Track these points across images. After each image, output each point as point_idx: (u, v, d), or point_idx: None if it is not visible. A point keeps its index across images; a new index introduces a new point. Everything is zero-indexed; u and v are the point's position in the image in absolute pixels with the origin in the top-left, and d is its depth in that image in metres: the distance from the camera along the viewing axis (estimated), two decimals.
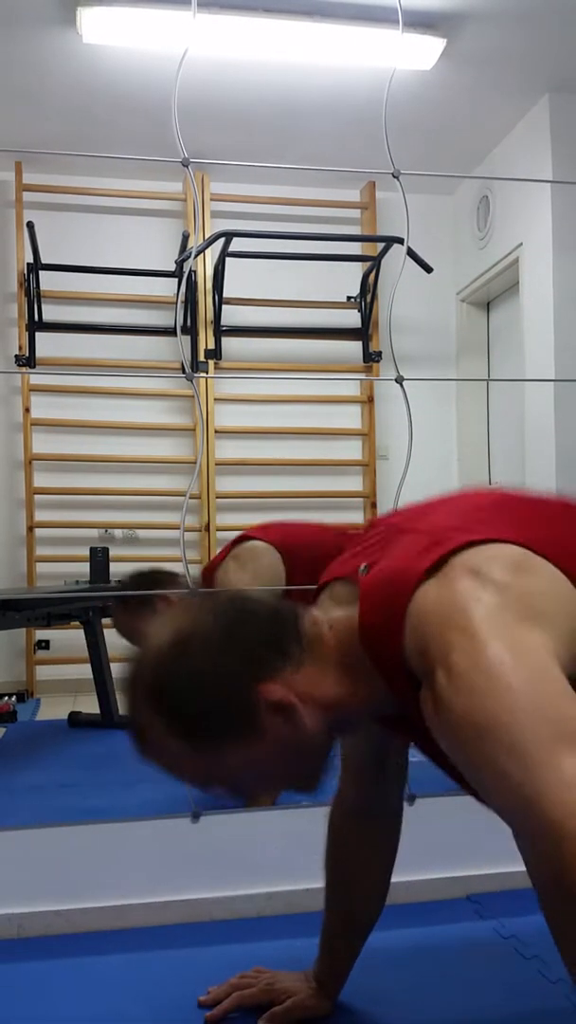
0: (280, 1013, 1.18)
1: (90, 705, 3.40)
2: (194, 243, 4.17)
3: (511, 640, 0.80)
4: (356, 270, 4.48)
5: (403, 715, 0.92)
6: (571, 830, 0.71)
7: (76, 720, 3.33)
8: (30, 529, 4.18)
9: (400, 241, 4.04)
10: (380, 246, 4.25)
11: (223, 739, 0.90)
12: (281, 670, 0.91)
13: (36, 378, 4.24)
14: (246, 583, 2.11)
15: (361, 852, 1.20)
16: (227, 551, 2.31)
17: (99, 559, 3.36)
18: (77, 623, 3.35)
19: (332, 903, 1.23)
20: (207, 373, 4.31)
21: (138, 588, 2.17)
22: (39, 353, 4.23)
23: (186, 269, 4.03)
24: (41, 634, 4.19)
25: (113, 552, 3.57)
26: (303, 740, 0.92)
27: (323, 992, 1.20)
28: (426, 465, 4.52)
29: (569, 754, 0.74)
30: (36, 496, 4.21)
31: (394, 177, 1.90)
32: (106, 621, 3.39)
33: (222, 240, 4.03)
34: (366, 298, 4.45)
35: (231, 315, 4.38)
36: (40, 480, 4.24)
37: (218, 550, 4.22)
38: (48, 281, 4.22)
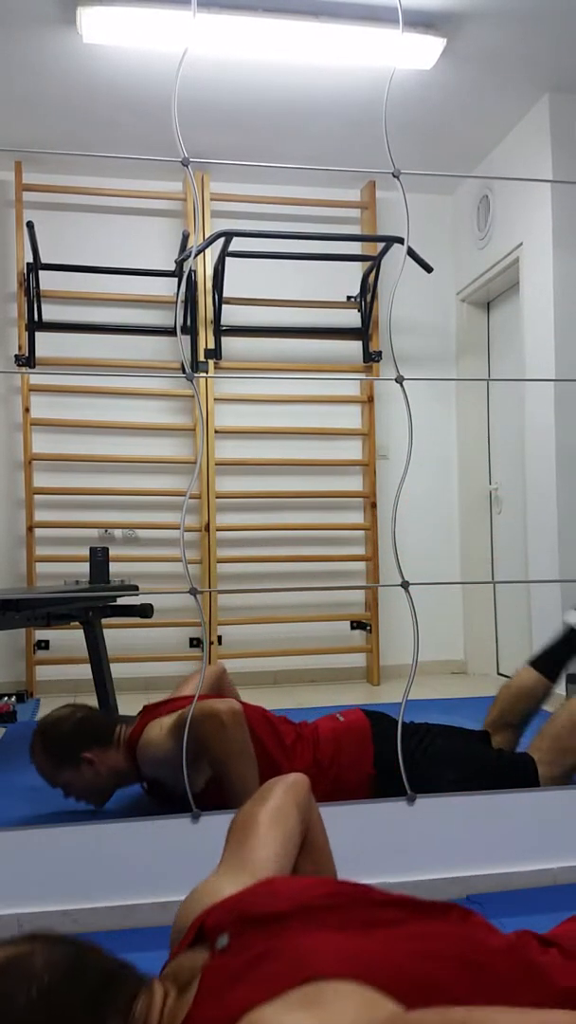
0: None
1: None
2: (194, 243, 4.17)
3: None
4: (356, 270, 4.48)
5: None
6: None
7: None
8: (30, 529, 4.19)
9: (400, 241, 4.05)
10: (380, 246, 4.25)
11: None
12: None
13: (36, 378, 4.24)
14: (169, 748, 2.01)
15: None
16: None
17: (99, 559, 3.35)
18: (77, 623, 3.35)
19: None
20: (207, 373, 4.31)
21: (62, 733, 2.20)
22: (39, 353, 4.23)
23: (186, 269, 4.03)
24: (41, 634, 4.19)
25: (113, 552, 3.56)
26: None
27: None
28: (426, 465, 4.55)
29: None
30: (36, 496, 4.21)
31: (394, 177, 1.91)
32: (106, 621, 3.39)
33: (222, 240, 4.03)
34: (366, 298, 4.45)
35: (231, 315, 4.39)
36: (40, 480, 4.24)
37: (217, 551, 4.27)
38: (48, 281, 4.22)
